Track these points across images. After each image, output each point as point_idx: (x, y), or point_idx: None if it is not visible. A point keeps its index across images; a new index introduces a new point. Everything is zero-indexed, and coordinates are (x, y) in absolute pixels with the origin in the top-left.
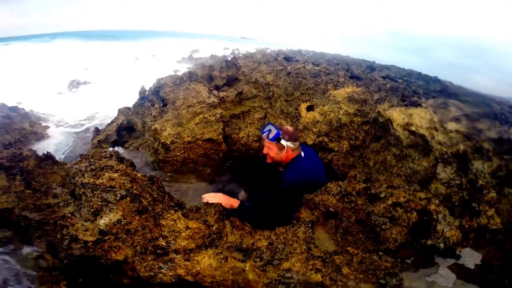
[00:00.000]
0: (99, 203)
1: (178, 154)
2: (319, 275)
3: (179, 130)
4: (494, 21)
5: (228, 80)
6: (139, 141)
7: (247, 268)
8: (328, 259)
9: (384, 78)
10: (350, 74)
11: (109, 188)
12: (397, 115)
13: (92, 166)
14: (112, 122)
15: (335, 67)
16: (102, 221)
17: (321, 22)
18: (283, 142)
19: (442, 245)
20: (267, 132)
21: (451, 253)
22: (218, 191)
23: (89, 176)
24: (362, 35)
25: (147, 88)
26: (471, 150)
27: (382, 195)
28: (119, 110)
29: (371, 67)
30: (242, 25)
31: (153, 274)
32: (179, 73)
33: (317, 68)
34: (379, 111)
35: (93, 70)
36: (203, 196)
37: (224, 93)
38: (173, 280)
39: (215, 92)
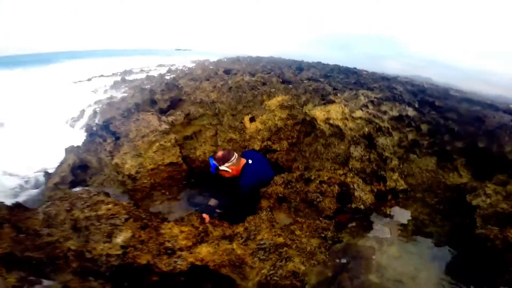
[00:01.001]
0: (109, 228)
1: (145, 181)
2: (281, 238)
3: (140, 160)
4: (399, 18)
5: (172, 102)
6: (102, 177)
7: (234, 247)
8: (286, 228)
9: (309, 79)
10: (281, 80)
11: (111, 216)
12: (319, 113)
13: (87, 203)
14: (62, 163)
15: (269, 74)
16: (119, 239)
17: (257, 25)
18: (222, 168)
19: (362, 206)
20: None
21: (382, 212)
22: (189, 205)
23: (89, 210)
24: (297, 35)
25: (92, 124)
26: (373, 131)
27: (313, 177)
28: (66, 150)
29: (300, 67)
30: (175, 36)
31: (172, 267)
32: (115, 100)
33: (253, 79)
34: (305, 112)
35: (13, 106)
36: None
37: (173, 117)
38: (189, 267)
39: (164, 118)
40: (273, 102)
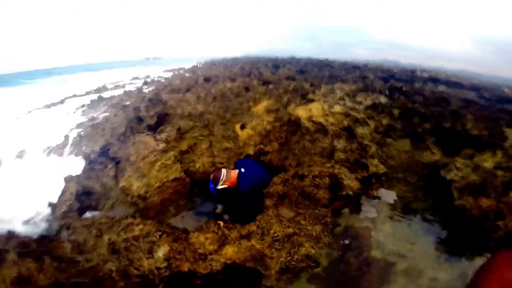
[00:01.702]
0: (148, 245)
1: (155, 198)
2: (291, 229)
3: (146, 180)
4: (361, 7)
5: (158, 118)
6: (111, 201)
7: (253, 243)
8: (292, 220)
9: (287, 78)
10: (262, 81)
11: (146, 234)
12: (302, 112)
13: (121, 227)
14: (64, 192)
15: (249, 77)
16: (160, 253)
17: (227, 25)
18: (219, 187)
19: (351, 193)
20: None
21: (371, 195)
22: (198, 213)
23: (124, 232)
24: (268, 31)
25: (80, 149)
26: (352, 122)
27: (306, 173)
28: (65, 179)
29: (276, 65)
30: (143, 45)
31: (209, 270)
32: (98, 121)
33: (235, 84)
34: (289, 113)
35: None
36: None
37: (165, 133)
38: (223, 266)
39: (159, 136)
40: (260, 108)
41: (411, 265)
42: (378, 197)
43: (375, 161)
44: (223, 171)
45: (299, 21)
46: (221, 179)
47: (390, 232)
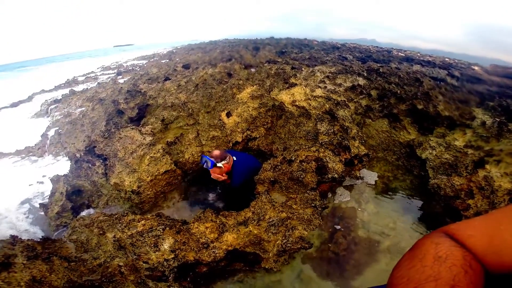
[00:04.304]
0: (153, 239)
1: (149, 192)
2: (284, 213)
3: (137, 175)
4: None
5: (140, 109)
6: (104, 198)
7: (251, 229)
8: (284, 204)
9: (268, 62)
10: (244, 65)
11: (149, 229)
12: (285, 97)
13: (123, 225)
14: (53, 193)
15: (230, 62)
16: (166, 246)
17: (208, 9)
18: (219, 164)
19: (336, 175)
20: (204, 163)
21: (354, 176)
22: (192, 203)
23: (128, 229)
24: (245, 13)
25: (71, 150)
26: (333, 106)
27: (293, 159)
28: (52, 180)
29: (256, 47)
30: (110, 32)
31: (213, 256)
32: (75, 117)
33: (216, 70)
34: (273, 98)
35: None
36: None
37: (150, 126)
38: (225, 253)
39: (144, 130)
40: (244, 95)
41: (394, 243)
42: (361, 178)
43: (356, 143)
44: (229, 155)
45: (277, 6)
46: (226, 159)
47: (374, 212)
